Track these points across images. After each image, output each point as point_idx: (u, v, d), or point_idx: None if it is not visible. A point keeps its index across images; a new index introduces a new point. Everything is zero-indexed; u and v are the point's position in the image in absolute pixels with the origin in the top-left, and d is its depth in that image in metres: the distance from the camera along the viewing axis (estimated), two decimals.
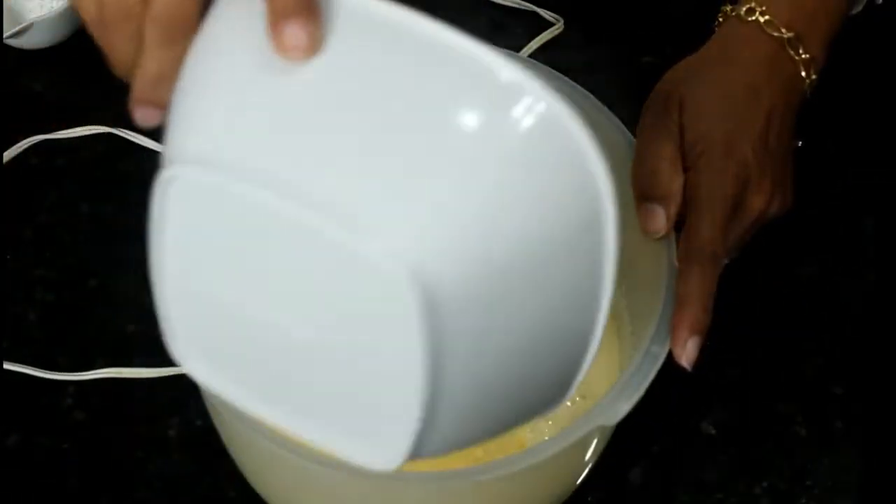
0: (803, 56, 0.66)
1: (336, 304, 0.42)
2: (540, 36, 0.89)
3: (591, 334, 0.46)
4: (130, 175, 0.81)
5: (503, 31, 0.90)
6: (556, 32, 0.90)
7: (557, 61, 0.83)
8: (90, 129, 0.84)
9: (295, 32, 0.40)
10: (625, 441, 0.66)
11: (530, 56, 0.87)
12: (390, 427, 0.43)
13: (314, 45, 0.41)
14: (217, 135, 0.42)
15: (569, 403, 0.68)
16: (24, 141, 0.83)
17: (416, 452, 0.44)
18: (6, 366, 0.72)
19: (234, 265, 0.44)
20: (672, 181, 0.61)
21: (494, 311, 0.42)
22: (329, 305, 0.43)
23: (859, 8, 0.73)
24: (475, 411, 0.45)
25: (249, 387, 0.47)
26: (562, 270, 0.43)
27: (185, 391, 0.69)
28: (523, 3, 0.91)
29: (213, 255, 0.44)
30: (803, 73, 0.66)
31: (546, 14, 0.90)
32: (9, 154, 0.83)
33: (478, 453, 0.65)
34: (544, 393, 0.48)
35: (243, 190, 0.41)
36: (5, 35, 0.85)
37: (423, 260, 0.40)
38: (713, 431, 0.72)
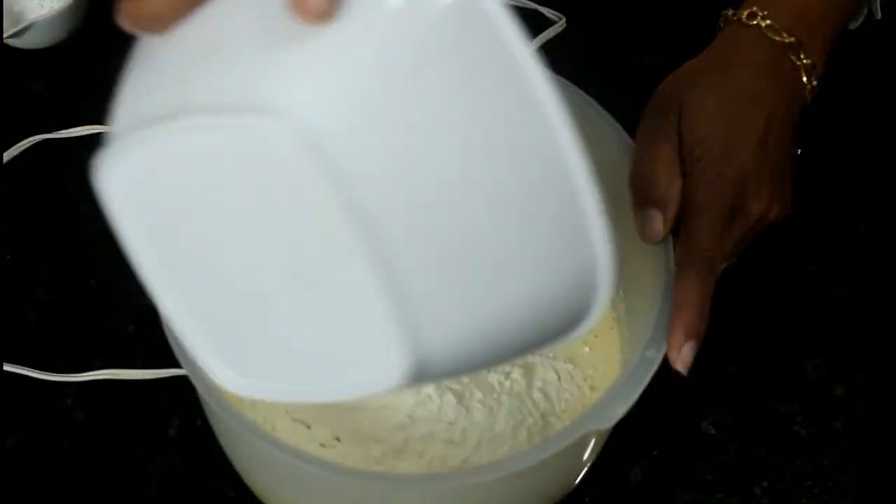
0: (804, 61, 0.66)
1: (277, 228, 0.40)
2: (542, 34, 0.89)
3: (584, 246, 0.42)
4: None
5: None
6: (559, 30, 0.89)
7: (559, 59, 0.82)
8: (90, 129, 0.83)
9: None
10: (625, 441, 0.66)
11: None
12: (381, 338, 0.40)
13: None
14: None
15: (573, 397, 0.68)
16: (24, 141, 0.83)
17: (421, 361, 0.41)
18: (6, 366, 0.72)
19: (208, 231, 0.42)
20: (670, 186, 0.61)
21: (424, 184, 0.39)
22: (274, 235, 0.40)
23: (858, 23, 0.72)
24: (459, 302, 0.41)
25: (264, 371, 0.44)
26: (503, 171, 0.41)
27: (185, 391, 0.68)
28: (526, 1, 0.91)
29: (189, 229, 0.42)
30: (804, 79, 0.66)
31: (548, 12, 0.90)
32: (9, 154, 0.83)
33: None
34: (544, 296, 0.43)
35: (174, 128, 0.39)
36: (5, 35, 0.85)
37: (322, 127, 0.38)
38: (713, 431, 0.72)
